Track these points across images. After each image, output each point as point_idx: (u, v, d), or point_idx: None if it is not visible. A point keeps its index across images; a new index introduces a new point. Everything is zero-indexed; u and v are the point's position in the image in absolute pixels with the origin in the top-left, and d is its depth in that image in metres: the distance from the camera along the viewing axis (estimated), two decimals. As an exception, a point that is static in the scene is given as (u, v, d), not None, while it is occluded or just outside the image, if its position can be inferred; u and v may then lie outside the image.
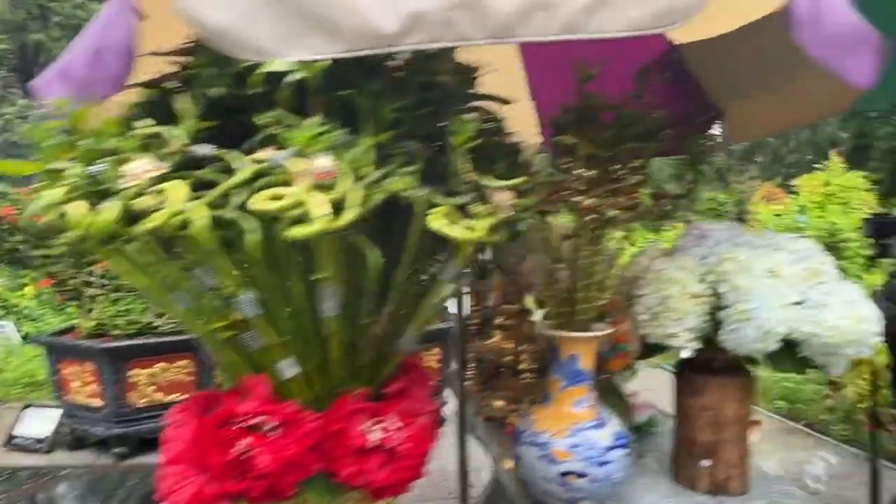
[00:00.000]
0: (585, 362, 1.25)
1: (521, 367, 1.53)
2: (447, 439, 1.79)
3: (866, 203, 8.08)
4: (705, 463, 1.34)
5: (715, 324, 1.22)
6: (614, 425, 1.24)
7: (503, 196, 0.90)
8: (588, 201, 1.11)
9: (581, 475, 1.18)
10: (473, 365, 1.84)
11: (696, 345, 1.23)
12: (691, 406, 1.37)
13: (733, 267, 1.20)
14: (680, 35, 1.85)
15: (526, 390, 1.51)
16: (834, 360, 1.18)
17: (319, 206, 0.70)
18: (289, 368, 0.88)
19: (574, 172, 1.12)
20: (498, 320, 1.62)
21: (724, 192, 10.26)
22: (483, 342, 1.71)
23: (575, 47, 0.84)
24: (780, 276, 1.19)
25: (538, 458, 1.21)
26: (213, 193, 0.77)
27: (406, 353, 1.10)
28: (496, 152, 1.03)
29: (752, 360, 1.29)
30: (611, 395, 1.47)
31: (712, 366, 1.32)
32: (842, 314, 1.14)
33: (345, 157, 0.76)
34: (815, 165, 10.16)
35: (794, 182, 10.70)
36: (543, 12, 0.77)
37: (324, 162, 0.75)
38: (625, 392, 1.57)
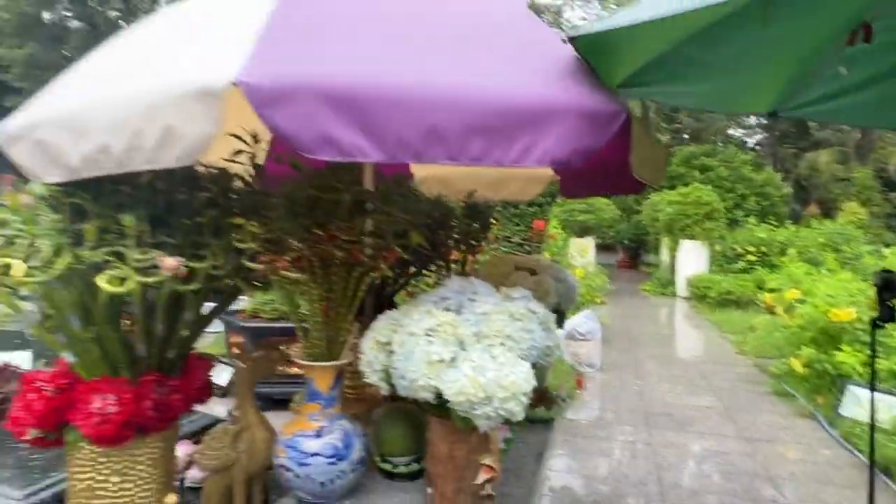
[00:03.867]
0: (319, 385, 1.58)
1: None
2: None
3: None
4: (428, 490, 1.54)
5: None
6: (333, 439, 1.54)
7: (170, 262, 1.35)
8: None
9: (288, 469, 1.53)
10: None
11: (385, 387, 1.46)
12: (427, 441, 1.57)
13: (404, 322, 1.40)
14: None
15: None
16: (473, 418, 1.30)
17: (17, 269, 1.28)
18: (70, 358, 1.49)
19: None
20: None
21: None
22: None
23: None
24: (439, 334, 1.35)
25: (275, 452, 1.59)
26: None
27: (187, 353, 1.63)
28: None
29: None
30: (396, 419, 1.73)
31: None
32: (460, 378, 1.26)
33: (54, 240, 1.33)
34: None
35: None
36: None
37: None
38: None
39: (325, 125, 1.13)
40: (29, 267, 1.35)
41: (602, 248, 20.02)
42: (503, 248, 4.40)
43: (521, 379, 1.28)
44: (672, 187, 13.92)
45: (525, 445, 2.07)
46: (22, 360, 5.59)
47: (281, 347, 1.71)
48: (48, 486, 2.15)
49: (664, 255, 13.54)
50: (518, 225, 4.29)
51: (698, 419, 4.74)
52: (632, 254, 19.73)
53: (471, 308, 1.45)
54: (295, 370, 1.79)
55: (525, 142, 1.27)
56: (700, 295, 10.96)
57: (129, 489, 1.55)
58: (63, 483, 2.24)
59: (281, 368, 1.79)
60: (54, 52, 20.26)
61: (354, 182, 1.53)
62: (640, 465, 3.82)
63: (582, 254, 8.20)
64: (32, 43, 19.16)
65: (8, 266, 1.31)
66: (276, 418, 1.80)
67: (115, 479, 1.53)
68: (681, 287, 12.24)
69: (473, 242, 2.33)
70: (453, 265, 2.29)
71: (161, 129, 1.16)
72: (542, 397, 2.24)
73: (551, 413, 2.25)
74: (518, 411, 1.29)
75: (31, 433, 1.48)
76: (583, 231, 13.24)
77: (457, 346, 1.36)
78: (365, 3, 1.42)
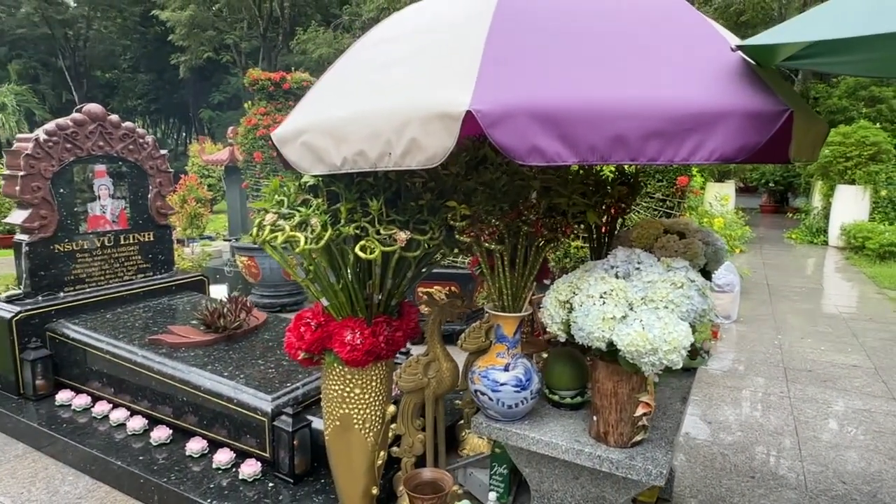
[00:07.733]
0: (506, 331, 1.99)
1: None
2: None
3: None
4: (594, 417, 1.91)
5: (573, 323, 1.78)
6: (518, 373, 1.96)
7: (402, 235, 1.79)
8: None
9: (483, 394, 1.98)
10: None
11: (563, 336, 1.82)
12: (592, 379, 1.93)
13: (581, 286, 1.74)
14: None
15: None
16: (640, 365, 1.63)
17: (301, 237, 1.79)
18: (325, 302, 2.02)
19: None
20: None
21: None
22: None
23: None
24: (612, 297, 1.68)
25: (472, 379, 2.05)
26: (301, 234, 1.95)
27: (403, 300, 2.11)
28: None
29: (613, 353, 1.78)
30: (563, 360, 2.11)
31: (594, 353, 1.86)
32: (631, 332, 1.59)
33: (321, 218, 1.82)
34: None
35: None
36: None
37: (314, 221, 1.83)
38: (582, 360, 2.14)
39: (534, 138, 1.46)
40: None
41: (742, 190, 18.65)
42: (644, 204, 4.51)
43: (682, 336, 1.58)
44: (832, 123, 12.49)
45: (671, 389, 2.37)
46: (221, 291, 6.76)
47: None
48: (286, 393, 2.84)
49: (816, 201, 12.46)
50: (661, 181, 4.36)
51: (844, 377, 4.66)
52: (777, 197, 18.22)
53: (637, 276, 1.75)
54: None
55: (694, 142, 1.51)
56: (857, 245, 10.09)
57: (367, 399, 2.10)
58: (296, 391, 2.93)
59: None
60: (208, 13, 22.24)
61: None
62: (776, 417, 3.94)
63: (722, 202, 7.89)
64: (192, 6, 21.14)
65: (294, 237, 1.83)
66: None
67: (357, 391, 2.09)
68: (833, 236, 11.30)
69: (623, 205, 2.58)
70: (604, 226, 2.57)
71: (408, 141, 1.56)
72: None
73: (695, 363, 2.51)
74: (678, 361, 1.60)
75: (302, 355, 2.06)
76: (722, 174, 12.50)
77: (626, 307, 1.68)
78: (557, 21, 1.70)
